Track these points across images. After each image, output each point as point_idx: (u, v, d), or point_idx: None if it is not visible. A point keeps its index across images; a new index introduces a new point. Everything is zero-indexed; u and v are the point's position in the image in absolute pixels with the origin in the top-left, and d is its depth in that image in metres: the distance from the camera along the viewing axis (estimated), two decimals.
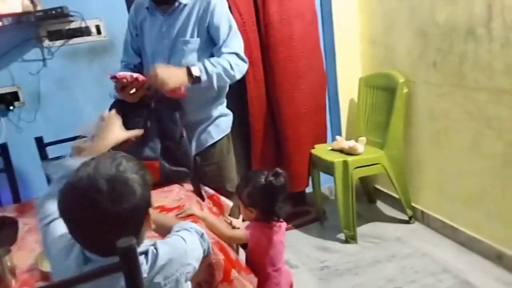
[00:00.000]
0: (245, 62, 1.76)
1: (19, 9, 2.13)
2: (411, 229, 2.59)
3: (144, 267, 0.91)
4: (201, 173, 1.84)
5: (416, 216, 2.67)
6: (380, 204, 2.97)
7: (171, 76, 1.55)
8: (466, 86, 2.16)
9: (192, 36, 1.71)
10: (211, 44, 1.74)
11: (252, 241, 1.51)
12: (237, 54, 1.72)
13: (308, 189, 2.94)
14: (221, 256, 1.21)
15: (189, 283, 0.99)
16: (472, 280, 2.04)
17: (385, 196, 2.94)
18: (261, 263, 1.49)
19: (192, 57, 1.72)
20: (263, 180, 1.47)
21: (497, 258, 2.12)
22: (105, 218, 0.84)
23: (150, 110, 1.70)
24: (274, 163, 2.74)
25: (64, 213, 0.88)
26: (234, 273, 1.24)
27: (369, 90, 2.81)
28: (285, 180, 1.49)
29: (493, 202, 2.12)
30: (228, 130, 1.93)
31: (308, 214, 2.92)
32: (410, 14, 2.44)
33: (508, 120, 1.96)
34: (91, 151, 1.24)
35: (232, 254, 1.35)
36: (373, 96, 2.78)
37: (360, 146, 2.59)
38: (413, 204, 2.68)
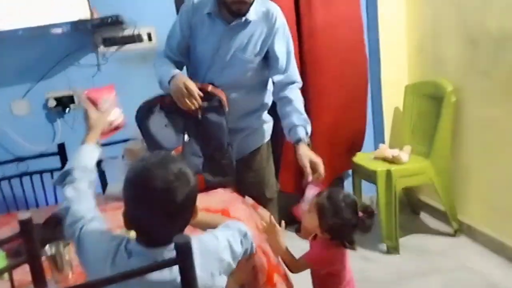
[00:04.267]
0: (300, 85, 1.85)
1: (77, 17, 2.26)
2: (456, 243, 2.50)
3: None
4: (241, 179, 1.85)
5: (462, 229, 2.57)
6: (424, 216, 2.89)
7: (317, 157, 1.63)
8: None
9: (252, 55, 1.74)
10: (266, 63, 1.79)
11: (322, 264, 1.45)
12: (297, 82, 1.81)
13: None
14: (264, 260, 1.23)
15: (224, 276, 1.01)
16: None
17: (429, 207, 2.86)
18: None
19: (246, 73, 1.77)
20: (354, 219, 1.38)
21: None
22: (169, 207, 0.92)
23: (189, 122, 1.71)
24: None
25: (132, 200, 0.96)
26: (276, 277, 1.25)
27: (416, 98, 2.76)
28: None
29: None
30: (269, 137, 1.95)
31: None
32: (460, 20, 2.39)
33: None
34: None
35: (274, 258, 1.36)
36: (420, 104, 2.72)
37: (404, 155, 2.54)
38: (459, 216, 2.59)
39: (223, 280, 1.01)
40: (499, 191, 2.29)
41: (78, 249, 1.03)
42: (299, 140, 1.67)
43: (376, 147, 2.78)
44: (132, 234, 1.03)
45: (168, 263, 0.76)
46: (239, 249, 1.08)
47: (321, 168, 1.59)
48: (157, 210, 0.93)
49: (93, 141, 1.25)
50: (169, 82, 1.68)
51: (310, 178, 1.59)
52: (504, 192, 2.25)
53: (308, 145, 1.68)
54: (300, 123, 1.70)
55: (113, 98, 1.40)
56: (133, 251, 0.96)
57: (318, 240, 1.46)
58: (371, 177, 2.56)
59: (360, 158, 2.73)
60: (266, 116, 1.94)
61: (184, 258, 0.75)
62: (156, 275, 0.89)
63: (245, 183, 1.87)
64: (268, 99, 1.91)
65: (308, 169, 1.59)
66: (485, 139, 2.34)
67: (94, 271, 0.99)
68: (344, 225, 1.37)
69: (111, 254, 0.96)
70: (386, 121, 2.98)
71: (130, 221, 0.98)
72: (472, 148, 2.45)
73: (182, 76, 1.70)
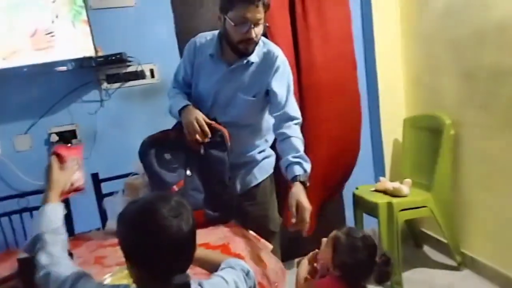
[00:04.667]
0: (300, 122, 1.80)
1: (82, 54, 2.32)
2: (460, 276, 2.46)
3: None
4: (244, 213, 1.85)
5: (466, 263, 2.54)
6: (427, 249, 2.86)
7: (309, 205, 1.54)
8: None
9: (253, 95, 1.76)
10: (266, 99, 1.80)
11: None
12: (296, 119, 1.77)
13: None
14: None
15: None
16: None
17: (432, 240, 2.83)
18: None
19: (249, 111, 1.80)
20: (369, 262, 1.31)
21: None
22: (170, 242, 0.92)
23: (192, 157, 1.72)
24: None
25: (131, 238, 0.95)
26: None
27: (415, 131, 2.79)
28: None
29: None
30: (271, 171, 1.96)
31: None
32: (456, 55, 2.44)
33: None
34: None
35: None
36: (419, 137, 2.75)
37: (405, 187, 2.54)
38: (462, 249, 2.56)
39: None
40: (501, 223, 2.28)
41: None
42: (293, 179, 1.61)
43: (376, 180, 2.78)
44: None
45: None
46: None
47: (306, 214, 1.50)
48: (166, 241, 0.92)
49: (56, 199, 1.19)
50: (179, 112, 1.74)
51: (293, 220, 1.52)
52: (506, 224, 2.24)
53: (305, 184, 1.59)
54: (295, 160, 1.64)
55: (80, 159, 1.37)
56: None
57: (327, 278, 1.37)
58: (372, 209, 2.54)
59: (361, 191, 2.73)
60: (269, 150, 1.95)
61: None
62: None
63: (249, 216, 1.87)
64: (271, 134, 1.92)
65: (293, 210, 1.52)
66: (485, 172, 2.35)
67: None
68: (357, 266, 1.30)
69: None
70: (386, 154, 2.99)
71: (134, 262, 0.96)
72: (473, 180, 2.45)
73: (193, 109, 1.73)
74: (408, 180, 2.60)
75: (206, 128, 1.68)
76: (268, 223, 1.90)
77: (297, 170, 1.62)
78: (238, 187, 1.88)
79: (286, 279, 1.58)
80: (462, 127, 2.46)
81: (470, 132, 2.43)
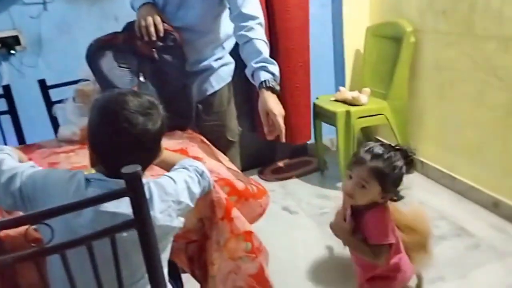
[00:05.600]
0: (262, 22, 1.67)
1: None
2: (410, 179, 2.60)
3: None
4: (202, 122, 1.83)
5: (416, 167, 2.69)
6: None
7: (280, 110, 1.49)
8: (474, 35, 2.12)
9: None
10: (222, 3, 1.69)
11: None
12: (257, 18, 1.63)
13: (310, 141, 2.97)
14: (223, 195, 1.24)
15: (181, 218, 1.03)
16: (468, 226, 2.10)
17: None
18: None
19: (202, 17, 1.68)
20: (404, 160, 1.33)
21: (493, 206, 2.17)
22: (130, 138, 0.94)
23: (144, 63, 1.63)
24: None
25: (95, 129, 0.96)
26: (234, 212, 1.27)
27: (376, 40, 2.76)
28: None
29: (493, 152, 2.14)
30: (229, 79, 1.91)
31: (310, 164, 2.96)
32: None
33: None
34: None
35: (240, 184, 1.33)
36: (380, 46, 2.73)
37: (363, 96, 2.57)
38: None
39: (180, 221, 1.02)
40: (451, 129, 2.39)
41: (26, 198, 0.97)
42: (260, 85, 1.51)
43: (337, 90, 2.80)
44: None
45: (117, 194, 0.75)
46: (197, 190, 1.08)
47: (278, 119, 1.45)
48: (127, 136, 0.93)
49: None
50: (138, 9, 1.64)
51: (265, 128, 1.49)
52: (456, 130, 2.35)
53: (273, 89, 1.51)
54: (259, 65, 1.53)
55: None
56: (92, 181, 0.96)
57: (373, 212, 1.33)
58: (331, 118, 2.59)
59: (321, 100, 2.75)
60: (227, 57, 1.88)
61: (134, 189, 0.74)
62: (112, 207, 0.88)
63: (206, 125, 1.85)
64: (230, 41, 1.85)
65: (264, 118, 1.48)
66: (440, 80, 2.40)
67: (56, 191, 0.96)
68: (403, 173, 1.32)
69: (69, 185, 0.95)
70: (347, 64, 2.98)
71: (95, 148, 0.98)
72: (428, 89, 2.51)
73: (151, 8, 1.63)
74: (367, 89, 2.63)
75: (152, 29, 1.57)
76: (225, 132, 1.89)
77: (263, 76, 1.52)
78: (195, 95, 1.82)
79: None
80: (423, 34, 2.46)
81: (429, 40, 2.43)
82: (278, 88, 1.53)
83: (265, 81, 1.50)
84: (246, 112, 2.78)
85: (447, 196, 2.40)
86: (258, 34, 1.61)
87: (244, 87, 2.31)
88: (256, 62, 1.55)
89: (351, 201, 1.36)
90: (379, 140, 3.03)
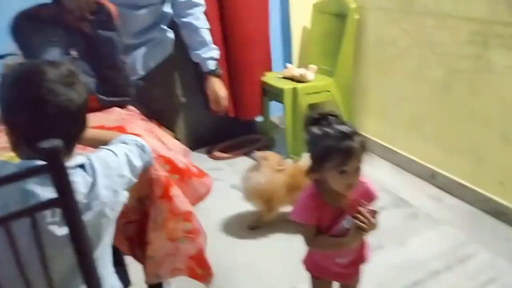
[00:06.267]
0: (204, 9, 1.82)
1: None
2: None
3: (88, 179, 0.91)
4: (146, 94, 1.77)
5: None
6: None
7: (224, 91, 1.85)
8: (414, 12, 2.18)
9: None
10: None
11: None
12: (200, 5, 1.77)
13: (259, 119, 2.97)
14: (162, 173, 1.21)
15: (125, 192, 0.99)
16: (407, 197, 2.20)
17: None
18: None
19: None
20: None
21: (431, 177, 2.29)
22: (56, 111, 0.86)
23: (75, 37, 1.53)
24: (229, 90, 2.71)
25: (12, 107, 0.88)
26: (174, 190, 1.24)
27: (322, 17, 2.78)
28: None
29: (430, 126, 2.24)
30: (171, 51, 1.87)
31: (258, 142, 2.97)
32: None
33: (451, 45, 2.01)
34: None
35: (181, 163, 1.30)
36: (326, 23, 2.75)
37: (310, 73, 2.60)
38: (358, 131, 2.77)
39: (124, 195, 0.98)
40: (392, 105, 2.48)
41: None
42: (208, 73, 1.80)
43: (284, 67, 2.80)
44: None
45: (36, 170, 0.70)
46: (138, 164, 1.04)
47: (222, 101, 1.83)
48: (52, 109, 0.86)
49: None
50: None
51: (213, 107, 1.84)
52: (397, 105, 2.44)
53: (217, 73, 1.81)
54: (207, 56, 1.78)
55: None
56: (11, 163, 0.90)
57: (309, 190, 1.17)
58: (278, 95, 2.60)
59: (269, 78, 2.75)
60: (166, 29, 1.84)
61: (54, 165, 0.70)
62: (40, 190, 0.83)
63: (149, 99, 1.79)
64: (170, 10, 1.80)
65: (212, 99, 1.81)
66: (383, 56, 2.46)
67: None
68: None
69: None
70: (294, 41, 2.99)
71: (15, 129, 0.89)
72: (371, 65, 2.57)
73: None
74: (313, 66, 2.65)
75: (83, 1, 1.48)
76: (170, 105, 1.88)
77: (211, 65, 1.79)
78: (139, 68, 1.79)
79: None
80: (366, 11, 2.50)
81: (372, 17, 2.48)
82: (221, 72, 1.87)
83: (213, 70, 1.80)
84: (197, 90, 2.72)
85: (388, 169, 2.50)
86: (204, 24, 1.79)
87: (194, 64, 2.27)
88: (205, 53, 1.78)
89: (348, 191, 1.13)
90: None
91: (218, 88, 1.82)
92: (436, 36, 2.08)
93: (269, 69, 2.86)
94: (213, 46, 1.82)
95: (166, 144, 1.46)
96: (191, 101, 2.50)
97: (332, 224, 1.16)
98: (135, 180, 1.02)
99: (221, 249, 1.89)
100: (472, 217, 2.03)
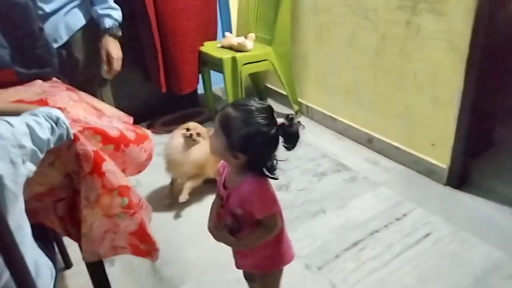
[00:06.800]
0: None
1: None
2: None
3: None
4: (68, 62, 1.67)
5: (302, 110, 2.81)
6: (270, 102, 3.04)
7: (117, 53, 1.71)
8: None
9: None
10: None
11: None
12: None
13: (201, 91, 2.90)
14: (90, 147, 1.13)
15: (30, 164, 0.92)
16: (346, 162, 2.26)
17: (275, 93, 3.03)
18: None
19: None
20: (274, 128, 1.05)
21: (368, 142, 2.37)
22: None
23: None
24: (163, 61, 2.60)
25: None
26: (106, 165, 1.17)
27: None
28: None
29: (366, 92, 2.29)
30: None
31: (201, 114, 2.91)
32: None
33: (383, 11, 2.05)
34: None
35: (113, 132, 1.21)
36: None
37: (249, 42, 2.56)
38: (299, 99, 2.80)
39: (27, 168, 0.91)
40: (330, 72, 2.51)
41: None
42: (103, 31, 1.69)
43: (223, 36, 2.74)
44: None
45: None
46: (45, 136, 0.96)
47: (116, 62, 1.71)
48: None
49: None
50: None
51: (106, 68, 1.71)
52: (334, 73, 2.47)
53: (113, 33, 1.69)
54: (105, 12, 1.68)
55: None
56: None
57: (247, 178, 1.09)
58: (218, 65, 2.54)
59: (207, 47, 2.67)
60: None
61: None
62: None
63: (74, 65, 1.71)
64: None
65: (104, 59, 1.69)
66: (319, 24, 2.47)
67: None
68: (259, 134, 1.03)
69: None
70: (232, 9, 2.92)
71: None
72: (309, 33, 2.57)
73: None
74: (252, 35, 2.61)
75: None
76: (95, 71, 1.78)
77: (107, 22, 1.68)
78: (63, 34, 1.67)
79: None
80: None
81: None
82: (119, 34, 1.73)
83: (109, 28, 1.69)
84: (138, 62, 2.61)
85: (328, 135, 2.55)
86: None
87: (134, 34, 2.15)
88: (102, 9, 1.68)
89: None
90: (268, 88, 3.08)
91: (112, 48, 1.71)
92: (369, 2, 2.10)
93: (213, 38, 2.79)
94: (114, 5, 1.73)
95: (100, 110, 1.38)
96: (133, 74, 2.39)
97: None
98: (41, 153, 0.95)
99: (166, 223, 1.85)
100: (406, 177, 2.13)
